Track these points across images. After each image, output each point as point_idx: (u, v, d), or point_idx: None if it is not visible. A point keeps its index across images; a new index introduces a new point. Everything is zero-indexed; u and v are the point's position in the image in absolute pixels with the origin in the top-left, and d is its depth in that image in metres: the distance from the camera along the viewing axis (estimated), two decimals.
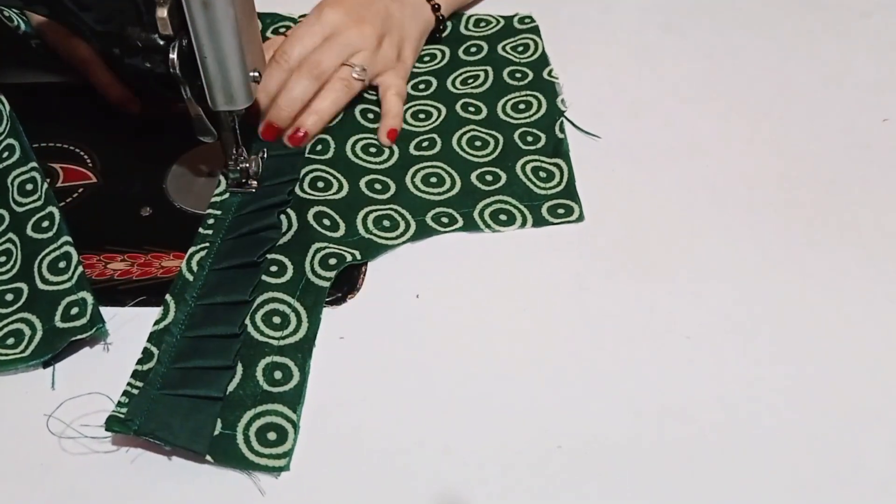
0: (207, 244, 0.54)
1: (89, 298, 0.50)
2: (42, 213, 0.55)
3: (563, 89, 0.66)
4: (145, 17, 0.49)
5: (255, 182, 0.57)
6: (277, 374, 0.48)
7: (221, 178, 0.58)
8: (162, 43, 0.49)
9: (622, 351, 0.49)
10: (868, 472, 0.44)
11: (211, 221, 0.55)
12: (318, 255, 0.53)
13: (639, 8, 0.77)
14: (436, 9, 0.71)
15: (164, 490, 0.44)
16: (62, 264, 0.52)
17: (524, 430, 0.46)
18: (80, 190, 0.60)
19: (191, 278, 0.52)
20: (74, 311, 0.50)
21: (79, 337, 0.49)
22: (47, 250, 0.53)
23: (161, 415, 0.45)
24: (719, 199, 0.58)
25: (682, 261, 0.54)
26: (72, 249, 0.53)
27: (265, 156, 0.59)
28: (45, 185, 0.57)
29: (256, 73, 0.52)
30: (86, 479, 0.44)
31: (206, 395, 0.46)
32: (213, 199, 0.57)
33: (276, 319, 0.50)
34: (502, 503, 0.43)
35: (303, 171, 0.59)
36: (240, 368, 0.48)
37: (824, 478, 0.43)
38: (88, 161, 0.62)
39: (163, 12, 0.48)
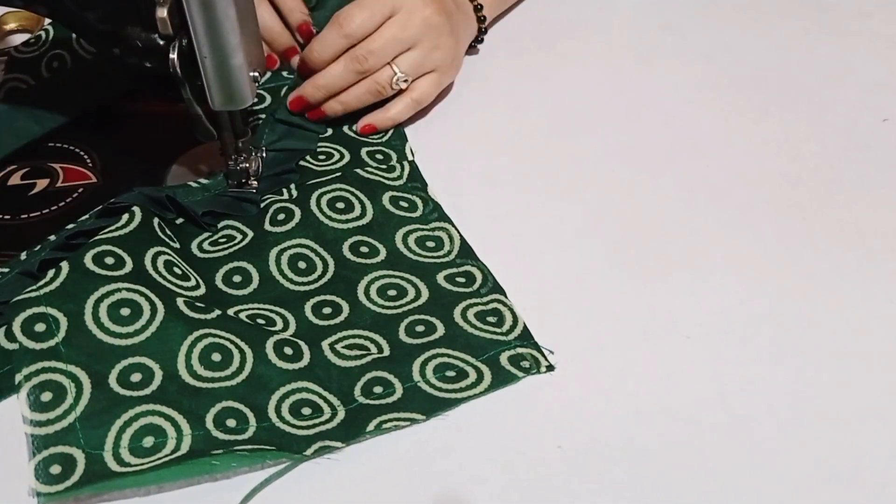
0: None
1: None
2: None
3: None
4: (145, 17, 0.49)
5: (255, 182, 0.57)
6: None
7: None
8: (162, 43, 0.49)
9: (622, 351, 0.49)
10: (868, 472, 0.44)
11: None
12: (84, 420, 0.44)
13: (638, 8, 0.77)
14: (478, 9, 0.67)
15: None
16: None
17: (524, 430, 0.46)
18: (80, 190, 0.59)
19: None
20: None
21: None
22: None
23: None
24: (719, 199, 0.58)
25: (682, 261, 0.54)
26: None
27: (264, 155, 0.59)
28: None
29: (256, 73, 0.52)
30: None
31: None
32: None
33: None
34: (502, 503, 0.43)
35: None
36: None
37: (824, 478, 0.43)
38: (88, 161, 0.62)
39: (163, 12, 0.48)
